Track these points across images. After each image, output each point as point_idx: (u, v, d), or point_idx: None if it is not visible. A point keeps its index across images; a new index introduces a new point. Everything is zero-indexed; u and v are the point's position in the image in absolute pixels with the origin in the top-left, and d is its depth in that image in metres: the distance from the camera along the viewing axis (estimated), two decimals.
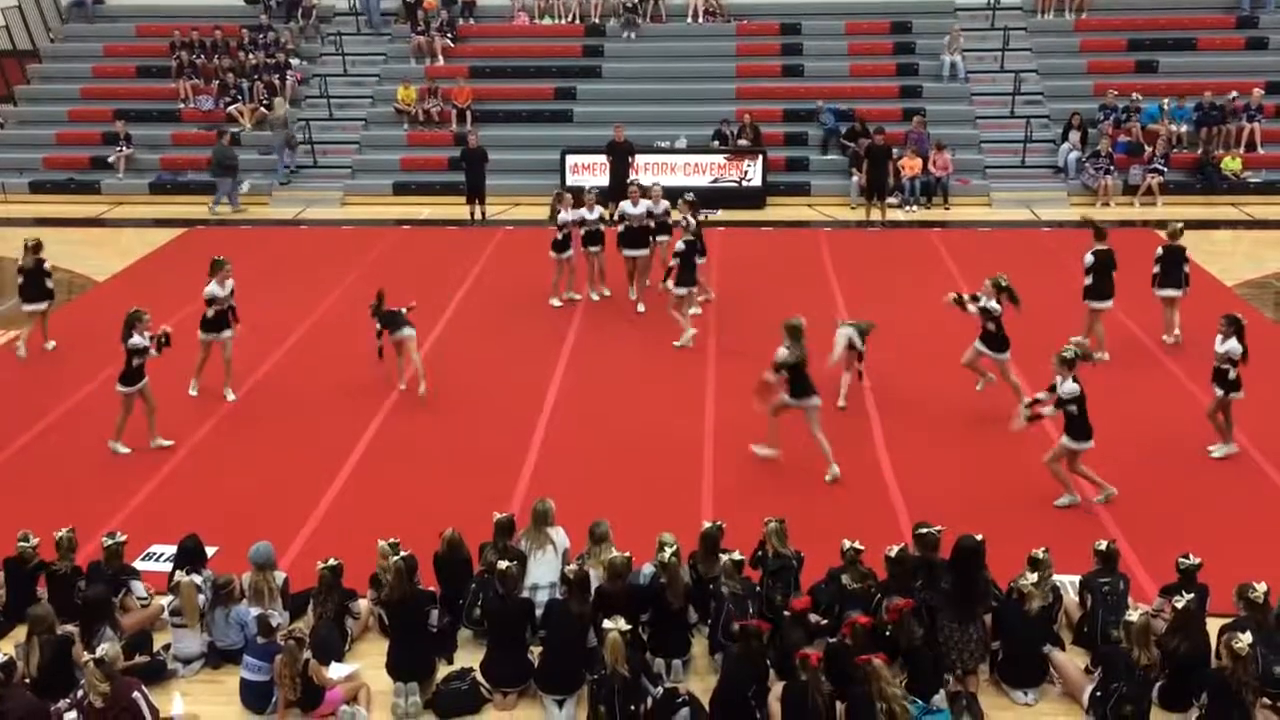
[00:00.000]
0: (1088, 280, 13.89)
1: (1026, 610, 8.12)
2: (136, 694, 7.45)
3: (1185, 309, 14.59)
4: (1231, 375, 11.27)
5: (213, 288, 12.95)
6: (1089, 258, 13.87)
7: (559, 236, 15.88)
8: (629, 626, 7.75)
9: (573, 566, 8.56)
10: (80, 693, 7.46)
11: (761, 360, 13.97)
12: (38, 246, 14.83)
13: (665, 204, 15.96)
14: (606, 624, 7.75)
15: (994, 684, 8.24)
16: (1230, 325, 11.32)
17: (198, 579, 8.66)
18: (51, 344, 15.05)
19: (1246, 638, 7.38)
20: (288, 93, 24.00)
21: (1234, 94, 22.24)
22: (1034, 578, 8.23)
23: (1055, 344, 14.24)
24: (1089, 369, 10.71)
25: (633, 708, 7.62)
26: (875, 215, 20.48)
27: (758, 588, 8.64)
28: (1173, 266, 14.09)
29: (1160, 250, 14.21)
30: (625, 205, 16.05)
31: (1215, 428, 11.58)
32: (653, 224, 15.90)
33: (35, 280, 14.65)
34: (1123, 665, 7.67)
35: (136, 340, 11.72)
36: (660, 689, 7.96)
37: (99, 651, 7.43)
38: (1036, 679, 8.16)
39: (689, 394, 13.21)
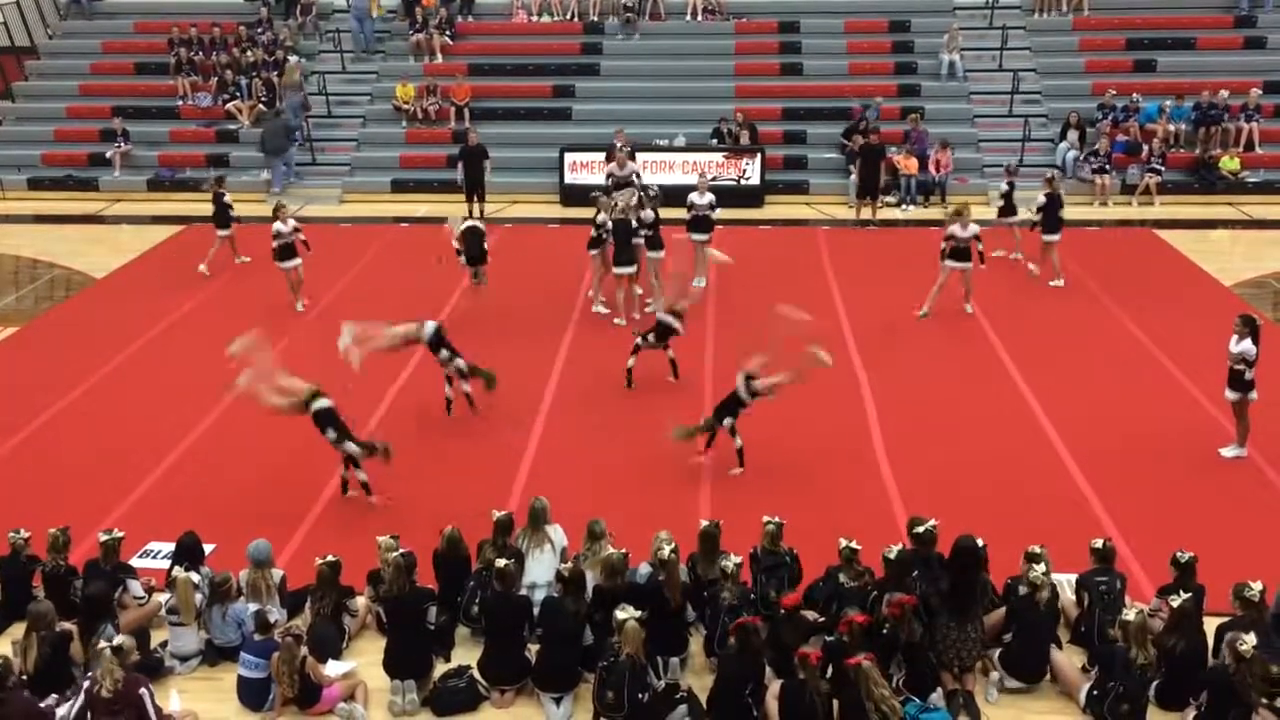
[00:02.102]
0: (1038, 217, 16.52)
1: (1037, 600, 8.13)
2: (144, 690, 7.46)
3: (1186, 309, 14.58)
4: (1247, 376, 11.18)
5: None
6: (1041, 198, 16.42)
7: (596, 235, 15.46)
8: (639, 613, 7.75)
9: (568, 565, 8.57)
10: (88, 683, 7.46)
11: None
12: (219, 180, 17.89)
13: (711, 197, 16.52)
14: (619, 614, 7.76)
15: (983, 672, 8.28)
16: (1245, 326, 11.23)
17: (195, 577, 8.66)
18: (202, 268, 17.38)
19: (1251, 639, 7.37)
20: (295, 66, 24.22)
21: (1224, 93, 22.25)
22: (1042, 568, 8.23)
23: (1052, 342, 14.42)
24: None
25: (639, 695, 7.65)
26: (866, 214, 20.47)
27: (752, 594, 8.64)
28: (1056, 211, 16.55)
29: (1044, 198, 16.46)
30: (693, 196, 16.44)
31: (1241, 428, 11.48)
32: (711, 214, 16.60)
33: (217, 210, 17.32)
34: (1120, 664, 7.69)
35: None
36: (662, 683, 7.99)
37: (116, 640, 7.45)
38: (1040, 673, 8.18)
39: (687, 392, 13.20)
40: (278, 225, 15.49)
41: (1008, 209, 17.50)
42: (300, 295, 15.96)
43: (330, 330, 15.24)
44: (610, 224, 15.16)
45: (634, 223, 15.20)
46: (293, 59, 24.07)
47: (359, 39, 25.35)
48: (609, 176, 15.87)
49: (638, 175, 15.70)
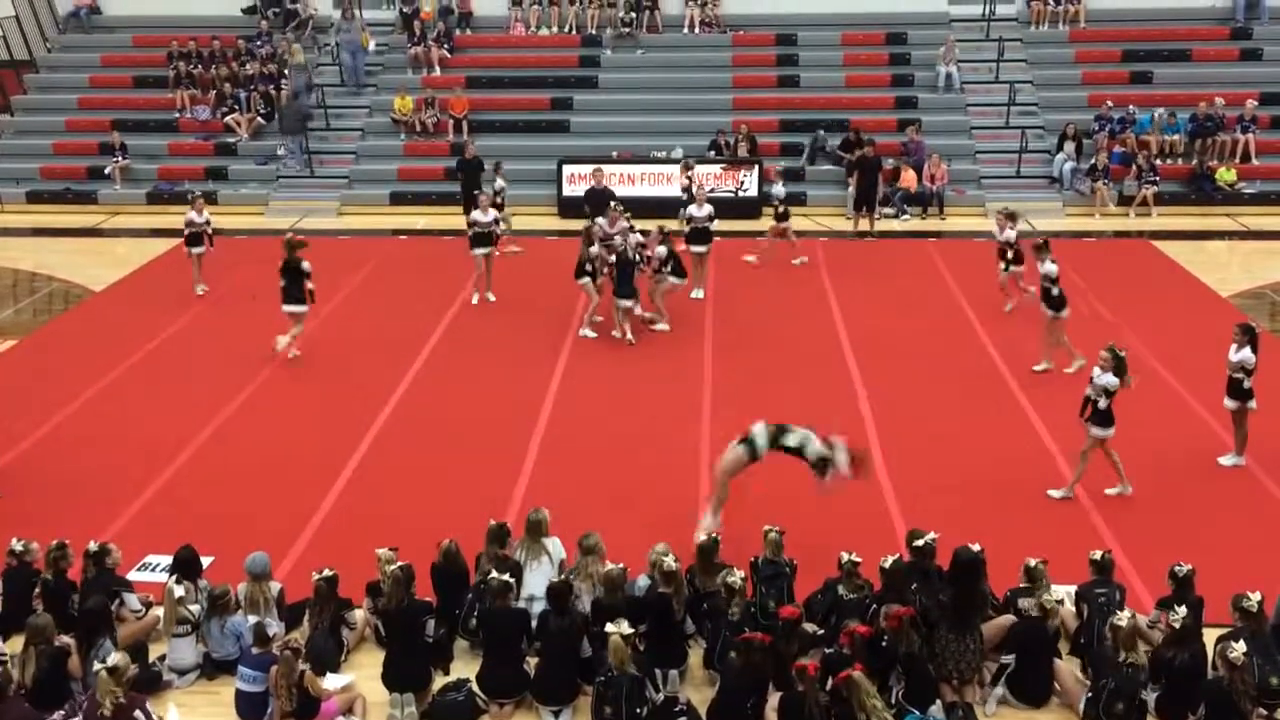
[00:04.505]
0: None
1: (1046, 625, 8.12)
2: (139, 712, 7.41)
3: (1183, 320, 14.60)
4: (1246, 385, 11.18)
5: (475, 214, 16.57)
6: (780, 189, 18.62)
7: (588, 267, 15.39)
8: (630, 630, 7.74)
9: (554, 579, 8.53)
10: (83, 700, 7.42)
11: (757, 371, 14.04)
12: (498, 166, 18.86)
13: (709, 208, 16.65)
14: (609, 627, 7.76)
15: (981, 684, 8.25)
16: (1244, 334, 11.24)
17: (179, 590, 8.61)
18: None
19: (1241, 647, 7.40)
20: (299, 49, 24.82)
21: (1219, 101, 22.35)
22: (1058, 593, 8.21)
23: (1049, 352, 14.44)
24: None
25: (637, 710, 7.63)
26: (864, 226, 20.51)
27: (753, 607, 8.62)
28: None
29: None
30: (691, 208, 16.87)
31: (1239, 437, 11.50)
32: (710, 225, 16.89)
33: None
34: (1110, 661, 7.69)
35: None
36: (661, 695, 7.97)
37: (111, 660, 7.43)
38: (1046, 697, 8.15)
39: (685, 403, 13.21)
40: (191, 215, 16.99)
41: (784, 215, 18.34)
42: (201, 280, 17.30)
43: (323, 340, 15.33)
44: (605, 256, 15.13)
45: (636, 258, 15.05)
46: (296, 46, 24.69)
47: (350, 72, 25.17)
48: (595, 232, 15.63)
49: (627, 233, 15.45)
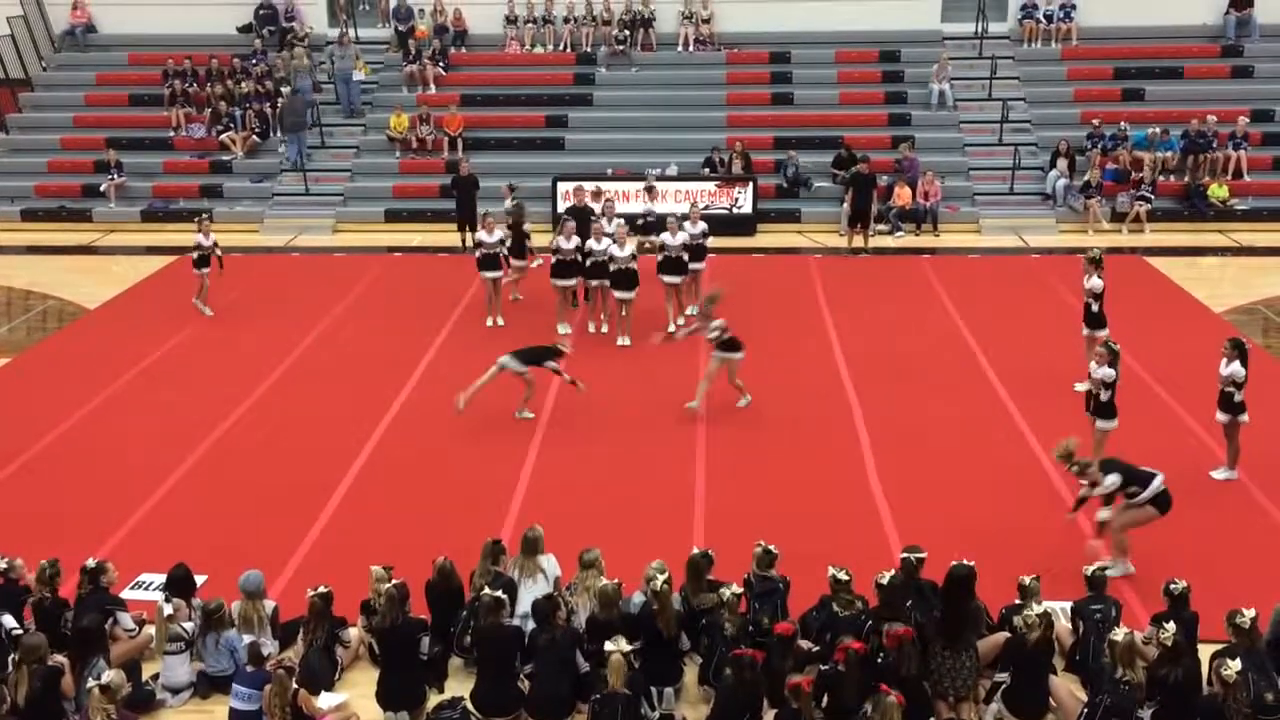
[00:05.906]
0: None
1: (1028, 641, 8.12)
2: None
3: (1176, 335, 14.62)
4: (1237, 398, 11.25)
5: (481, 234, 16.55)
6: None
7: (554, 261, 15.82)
8: (630, 648, 7.72)
9: (541, 596, 8.53)
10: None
11: (751, 386, 14.05)
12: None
13: (704, 225, 16.29)
14: (608, 645, 7.73)
15: (976, 701, 8.24)
16: (1234, 349, 11.32)
17: (168, 608, 8.58)
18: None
19: (1236, 664, 7.40)
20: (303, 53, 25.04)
21: (1211, 118, 22.49)
22: (1039, 609, 8.21)
23: (1044, 368, 14.45)
24: None
25: None
26: (858, 242, 20.56)
27: (750, 625, 8.60)
28: None
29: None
30: (685, 225, 16.03)
31: (1231, 451, 11.54)
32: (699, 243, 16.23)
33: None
34: (1107, 678, 7.68)
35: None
36: (656, 714, 7.94)
37: (104, 678, 7.40)
38: (1043, 712, 8.13)
39: (681, 420, 13.21)
40: (199, 238, 16.91)
41: (648, 229, 17.55)
42: (206, 302, 17.16)
43: (322, 359, 15.32)
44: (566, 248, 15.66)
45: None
46: (298, 49, 24.90)
47: (344, 101, 25.18)
48: (569, 228, 15.96)
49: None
